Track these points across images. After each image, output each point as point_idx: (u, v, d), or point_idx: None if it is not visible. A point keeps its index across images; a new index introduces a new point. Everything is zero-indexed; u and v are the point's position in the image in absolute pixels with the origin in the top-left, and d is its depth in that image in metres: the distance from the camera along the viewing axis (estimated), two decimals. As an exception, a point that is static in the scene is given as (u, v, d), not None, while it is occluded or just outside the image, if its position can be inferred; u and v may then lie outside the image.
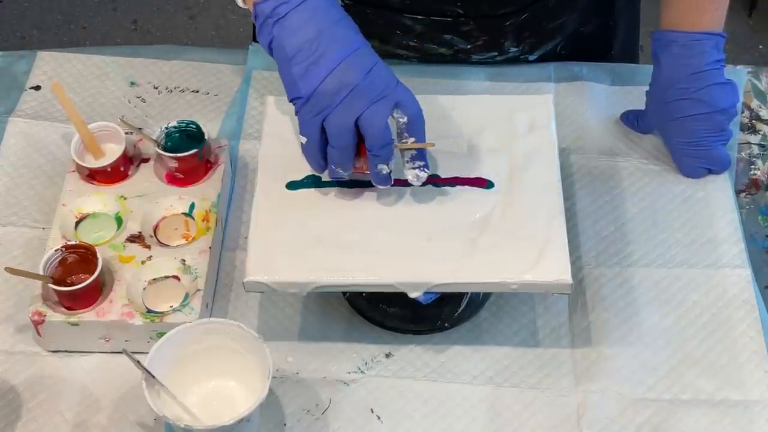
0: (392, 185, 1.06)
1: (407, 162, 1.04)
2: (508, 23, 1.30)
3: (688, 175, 1.23)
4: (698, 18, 1.17)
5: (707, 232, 1.18)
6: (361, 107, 0.99)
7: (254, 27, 1.06)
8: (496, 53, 1.33)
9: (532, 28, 1.32)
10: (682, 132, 1.20)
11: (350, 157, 1.02)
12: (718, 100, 1.18)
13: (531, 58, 1.34)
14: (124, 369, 1.03)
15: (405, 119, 1.01)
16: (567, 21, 1.33)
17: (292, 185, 1.09)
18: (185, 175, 1.17)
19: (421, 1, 1.28)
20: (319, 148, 1.02)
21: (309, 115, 1.00)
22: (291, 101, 1.01)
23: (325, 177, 1.09)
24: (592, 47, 1.36)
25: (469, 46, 1.32)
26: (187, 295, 1.08)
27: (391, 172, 1.03)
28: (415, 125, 1.02)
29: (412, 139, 1.02)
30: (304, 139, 1.02)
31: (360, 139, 1.01)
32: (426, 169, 1.04)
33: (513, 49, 1.33)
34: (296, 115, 1.01)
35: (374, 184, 1.04)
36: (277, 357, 1.05)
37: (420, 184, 1.05)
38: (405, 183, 1.07)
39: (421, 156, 1.03)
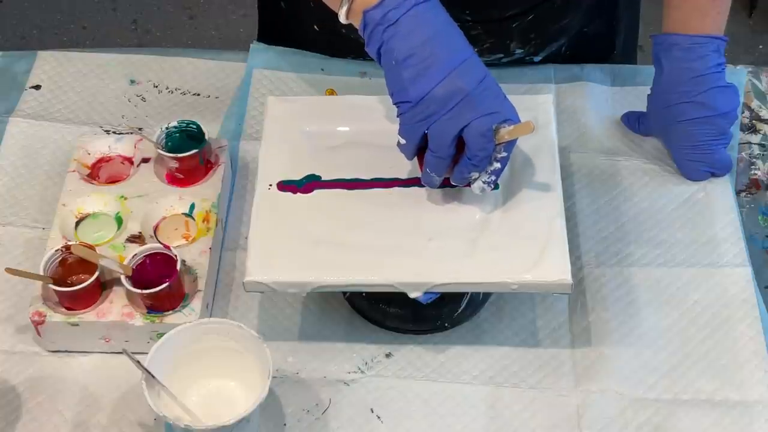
0: (393, 185, 1.06)
1: (483, 172, 1.02)
2: (515, 25, 1.30)
3: (690, 178, 1.23)
4: (700, 21, 1.17)
5: (707, 232, 1.18)
6: (469, 117, 0.97)
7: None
8: (502, 55, 1.33)
9: (538, 29, 1.32)
10: (684, 135, 1.20)
11: (448, 164, 1.00)
12: (720, 104, 1.18)
13: (536, 59, 1.34)
14: (124, 369, 1.03)
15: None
16: (572, 21, 1.33)
17: (291, 184, 1.09)
18: (185, 176, 1.17)
19: None
20: (415, 152, 1.02)
21: (414, 119, 0.98)
22: (396, 104, 0.99)
23: (325, 177, 1.09)
24: (595, 48, 1.36)
25: (475, 50, 1.32)
26: (187, 296, 1.08)
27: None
28: (514, 142, 1.01)
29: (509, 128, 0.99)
30: (403, 141, 1.01)
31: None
32: (492, 186, 1.02)
33: (519, 51, 1.33)
34: (398, 117, 1.00)
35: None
36: (277, 357, 1.05)
37: (480, 192, 1.03)
38: (406, 183, 1.07)
39: (497, 173, 1.01)
